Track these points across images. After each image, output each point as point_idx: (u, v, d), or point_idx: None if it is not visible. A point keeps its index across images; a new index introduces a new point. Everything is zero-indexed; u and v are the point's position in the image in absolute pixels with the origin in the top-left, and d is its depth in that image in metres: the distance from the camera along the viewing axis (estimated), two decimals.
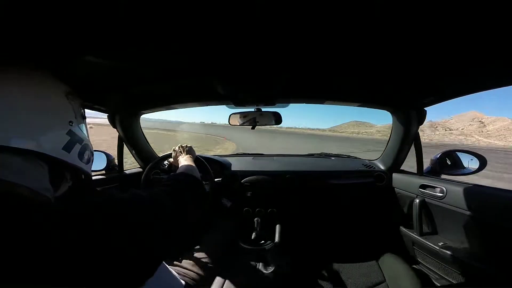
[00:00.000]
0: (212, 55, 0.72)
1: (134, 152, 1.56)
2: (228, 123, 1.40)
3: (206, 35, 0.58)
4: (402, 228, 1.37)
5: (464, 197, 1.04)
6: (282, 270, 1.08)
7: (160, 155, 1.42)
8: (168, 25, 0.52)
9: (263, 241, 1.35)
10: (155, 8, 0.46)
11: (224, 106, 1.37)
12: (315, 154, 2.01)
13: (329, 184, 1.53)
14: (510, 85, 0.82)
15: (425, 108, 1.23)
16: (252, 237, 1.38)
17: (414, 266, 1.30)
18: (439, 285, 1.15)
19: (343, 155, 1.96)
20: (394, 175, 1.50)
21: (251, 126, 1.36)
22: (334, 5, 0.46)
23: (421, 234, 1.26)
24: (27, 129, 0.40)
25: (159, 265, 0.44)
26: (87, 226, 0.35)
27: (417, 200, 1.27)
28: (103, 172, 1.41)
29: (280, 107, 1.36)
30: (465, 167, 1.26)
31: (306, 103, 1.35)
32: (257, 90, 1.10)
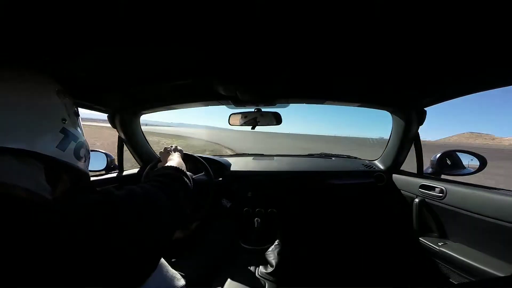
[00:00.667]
0: (212, 55, 0.72)
1: (134, 152, 1.56)
2: (228, 123, 1.41)
3: (206, 34, 0.58)
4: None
5: (464, 197, 1.04)
6: (282, 270, 1.08)
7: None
8: (168, 24, 0.52)
9: (263, 241, 1.34)
10: (155, 8, 0.46)
11: (224, 106, 1.38)
12: (315, 154, 2.01)
13: (329, 184, 1.53)
14: (511, 85, 0.82)
15: (425, 108, 1.23)
16: (252, 237, 1.37)
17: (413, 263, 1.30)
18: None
19: (343, 155, 1.96)
20: (394, 175, 1.50)
21: (251, 126, 1.37)
22: (334, 5, 0.46)
23: (421, 234, 1.26)
24: (19, 128, 0.40)
25: (158, 261, 0.43)
26: (86, 225, 0.35)
27: (417, 200, 1.27)
28: (103, 172, 1.41)
29: (280, 107, 1.36)
30: (465, 167, 1.26)
31: (306, 103, 1.35)
32: (257, 90, 1.10)
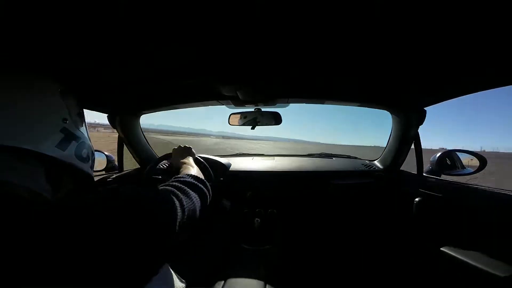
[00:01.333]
0: (212, 55, 0.72)
1: (134, 152, 1.56)
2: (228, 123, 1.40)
3: (206, 34, 0.58)
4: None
5: (464, 197, 1.04)
6: (282, 271, 1.08)
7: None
8: (168, 24, 0.52)
9: (263, 242, 1.34)
10: (155, 7, 0.46)
11: (224, 106, 1.38)
12: (315, 154, 2.01)
13: (329, 184, 1.52)
14: (510, 85, 0.82)
15: (425, 108, 1.23)
16: (252, 237, 1.37)
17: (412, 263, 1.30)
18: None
19: (343, 155, 1.96)
20: (394, 176, 1.50)
21: (251, 127, 1.37)
22: (334, 5, 0.46)
23: (420, 234, 1.26)
24: (17, 127, 0.40)
25: (159, 266, 0.43)
26: (87, 226, 0.34)
27: (417, 200, 1.27)
28: (103, 172, 1.41)
29: (280, 107, 1.36)
30: (465, 167, 1.26)
31: (306, 103, 1.35)
32: (257, 90, 1.10)
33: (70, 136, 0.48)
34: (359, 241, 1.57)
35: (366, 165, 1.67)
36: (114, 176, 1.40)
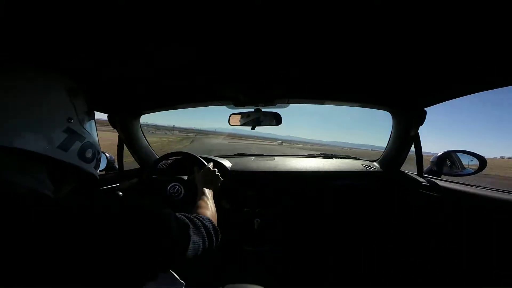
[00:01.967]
0: (212, 55, 0.72)
1: (134, 152, 1.56)
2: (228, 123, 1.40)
3: (206, 35, 0.58)
4: None
5: (464, 197, 1.04)
6: (282, 271, 1.08)
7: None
8: (168, 24, 0.52)
9: (263, 242, 1.34)
10: (155, 7, 0.46)
11: (224, 106, 1.38)
12: (315, 154, 2.01)
13: (329, 185, 1.52)
14: (511, 85, 0.82)
15: (425, 109, 1.23)
16: (252, 238, 1.37)
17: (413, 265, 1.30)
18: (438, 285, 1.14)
19: (343, 155, 1.95)
20: (394, 176, 1.50)
21: (251, 127, 1.37)
22: (334, 5, 0.46)
23: (420, 234, 1.26)
24: (18, 127, 0.40)
25: (156, 274, 0.42)
26: (86, 227, 0.35)
27: (417, 201, 1.26)
28: (103, 172, 1.41)
29: (280, 107, 1.36)
30: (465, 168, 1.26)
31: (306, 103, 1.35)
32: (257, 90, 1.10)
33: (74, 136, 0.47)
34: (359, 242, 1.57)
35: (366, 165, 1.67)
36: (114, 176, 1.40)
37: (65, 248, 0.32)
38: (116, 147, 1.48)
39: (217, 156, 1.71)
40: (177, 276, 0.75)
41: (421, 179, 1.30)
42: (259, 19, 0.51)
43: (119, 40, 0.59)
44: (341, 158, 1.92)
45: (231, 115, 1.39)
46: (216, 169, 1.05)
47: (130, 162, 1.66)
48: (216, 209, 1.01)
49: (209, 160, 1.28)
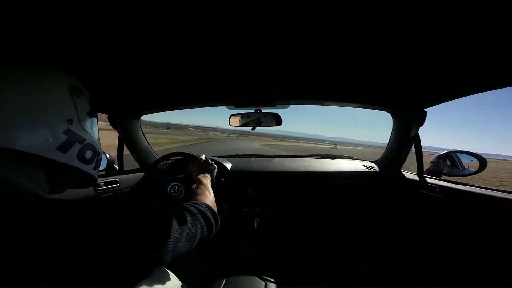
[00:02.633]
0: (212, 56, 0.72)
1: (134, 153, 1.56)
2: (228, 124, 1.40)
3: (206, 35, 0.58)
4: None
5: (464, 198, 1.04)
6: (282, 270, 1.08)
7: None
8: (169, 24, 0.52)
9: (263, 242, 1.34)
10: (155, 7, 0.46)
11: (224, 107, 1.38)
12: (315, 155, 2.01)
13: (330, 185, 1.52)
14: (510, 86, 0.82)
15: (425, 109, 1.24)
16: (252, 237, 1.37)
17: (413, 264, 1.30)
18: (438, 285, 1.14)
19: (343, 156, 1.95)
20: (394, 176, 1.50)
21: (251, 127, 1.37)
22: (334, 5, 0.46)
23: (421, 234, 1.26)
24: (17, 128, 0.39)
25: (150, 271, 0.42)
26: (81, 226, 0.34)
27: (417, 201, 1.26)
28: (103, 172, 1.41)
29: (280, 108, 1.37)
30: (465, 168, 1.26)
31: (306, 104, 1.35)
32: (257, 91, 1.11)
33: (74, 138, 0.46)
34: (359, 242, 1.57)
35: (367, 166, 1.67)
36: (114, 177, 1.40)
37: (59, 248, 0.32)
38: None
39: (217, 156, 1.71)
40: (174, 276, 0.74)
41: (421, 180, 1.30)
42: (260, 19, 0.51)
43: (119, 40, 0.59)
44: (341, 158, 1.92)
45: (231, 116, 1.39)
46: (209, 159, 1.06)
47: (130, 162, 1.66)
48: (216, 210, 1.01)
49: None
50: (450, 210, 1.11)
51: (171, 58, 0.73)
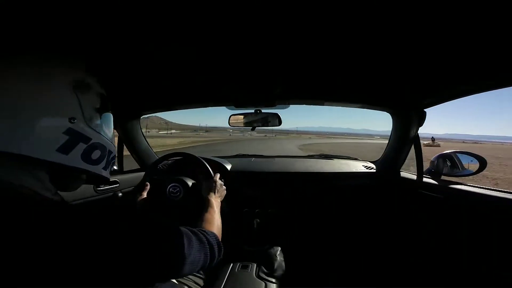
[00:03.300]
0: (212, 56, 0.72)
1: (133, 152, 1.56)
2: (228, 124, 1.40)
3: (206, 35, 0.58)
4: None
5: (463, 198, 1.04)
6: (282, 271, 1.08)
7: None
8: (169, 24, 0.52)
9: (262, 242, 1.34)
10: (155, 7, 0.46)
11: (224, 107, 1.38)
12: (315, 155, 2.01)
13: (330, 185, 1.52)
14: (511, 86, 0.82)
15: (425, 110, 1.24)
16: (252, 238, 1.37)
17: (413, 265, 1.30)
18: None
19: (343, 156, 1.95)
20: (394, 177, 1.50)
21: (251, 127, 1.37)
22: (334, 5, 0.46)
23: (421, 235, 1.26)
24: (12, 130, 0.37)
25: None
26: (83, 233, 0.34)
27: (417, 201, 1.27)
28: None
29: (280, 108, 1.37)
30: (465, 168, 1.26)
31: (306, 104, 1.36)
32: (257, 91, 1.11)
33: (77, 137, 0.43)
34: (359, 243, 1.57)
35: (366, 166, 1.67)
36: (113, 177, 1.40)
37: (59, 252, 0.32)
38: None
39: (216, 157, 1.71)
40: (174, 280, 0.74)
41: (421, 180, 1.30)
42: (260, 19, 0.51)
43: (119, 40, 0.59)
44: (341, 158, 1.92)
45: (231, 116, 1.39)
46: (223, 181, 1.02)
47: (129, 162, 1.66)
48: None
49: (208, 161, 1.28)
50: (450, 210, 1.11)
51: (171, 58, 0.73)
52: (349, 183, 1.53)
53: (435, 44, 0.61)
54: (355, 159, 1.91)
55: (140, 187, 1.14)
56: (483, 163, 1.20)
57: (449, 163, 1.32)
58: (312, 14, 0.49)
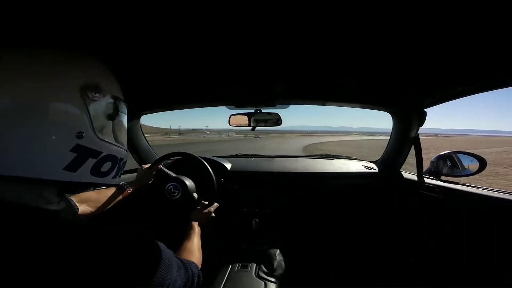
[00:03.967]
0: (212, 56, 0.72)
1: (133, 152, 1.56)
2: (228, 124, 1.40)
3: (206, 35, 0.58)
4: None
5: (463, 198, 1.04)
6: (282, 271, 1.08)
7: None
8: (168, 25, 0.52)
9: (262, 242, 1.34)
10: (155, 7, 0.46)
11: (224, 107, 1.38)
12: (315, 155, 2.01)
13: (329, 185, 1.52)
14: (511, 86, 0.82)
15: (425, 110, 1.24)
16: (251, 237, 1.37)
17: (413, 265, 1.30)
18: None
19: (343, 156, 1.95)
20: (394, 177, 1.50)
21: (251, 127, 1.37)
22: (334, 5, 0.46)
23: (421, 235, 1.26)
24: (13, 151, 0.34)
25: None
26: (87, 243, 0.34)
27: (417, 202, 1.26)
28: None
29: (280, 108, 1.37)
30: (465, 169, 1.26)
31: (306, 104, 1.36)
32: (257, 91, 1.11)
33: (86, 153, 0.39)
34: (359, 243, 1.57)
35: (367, 166, 1.67)
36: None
37: (59, 268, 0.31)
38: None
39: (216, 156, 1.71)
40: None
41: (421, 180, 1.30)
42: (260, 19, 0.51)
43: (119, 40, 0.59)
44: (341, 158, 1.91)
45: (231, 116, 1.39)
46: (212, 211, 1.01)
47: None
48: (216, 210, 1.00)
49: (208, 161, 1.28)
50: (450, 210, 1.11)
51: (171, 57, 0.73)
52: (349, 183, 1.53)
53: (435, 44, 0.61)
54: (355, 159, 1.91)
55: (151, 168, 1.16)
56: (483, 163, 1.20)
57: (449, 163, 1.32)
58: (312, 14, 0.49)
